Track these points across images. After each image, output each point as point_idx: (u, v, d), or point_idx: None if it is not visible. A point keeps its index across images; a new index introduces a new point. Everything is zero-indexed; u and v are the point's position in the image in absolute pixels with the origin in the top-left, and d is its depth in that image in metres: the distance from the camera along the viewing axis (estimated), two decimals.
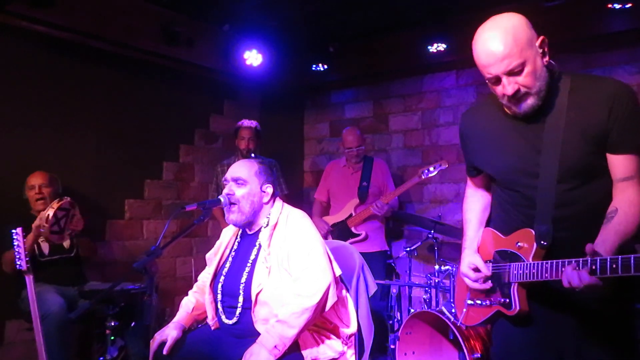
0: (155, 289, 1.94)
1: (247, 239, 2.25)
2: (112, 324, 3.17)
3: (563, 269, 1.47)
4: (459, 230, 3.87)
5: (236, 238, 2.31)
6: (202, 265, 2.45)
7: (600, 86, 1.59)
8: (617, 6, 3.38)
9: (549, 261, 1.56)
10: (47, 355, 2.70)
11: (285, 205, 2.25)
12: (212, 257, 2.32)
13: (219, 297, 2.17)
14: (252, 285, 2.05)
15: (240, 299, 2.08)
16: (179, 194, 4.50)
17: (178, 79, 4.45)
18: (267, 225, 2.17)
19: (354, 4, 3.94)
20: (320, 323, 2.11)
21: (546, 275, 1.55)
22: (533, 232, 1.64)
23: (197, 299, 2.30)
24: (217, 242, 2.36)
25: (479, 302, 1.81)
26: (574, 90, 1.60)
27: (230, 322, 2.10)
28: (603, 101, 1.55)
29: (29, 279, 2.67)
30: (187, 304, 2.29)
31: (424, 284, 3.66)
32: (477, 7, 3.90)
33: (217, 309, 2.18)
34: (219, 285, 2.18)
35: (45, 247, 3.27)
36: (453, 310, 3.11)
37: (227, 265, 2.23)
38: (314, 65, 4.69)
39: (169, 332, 2.12)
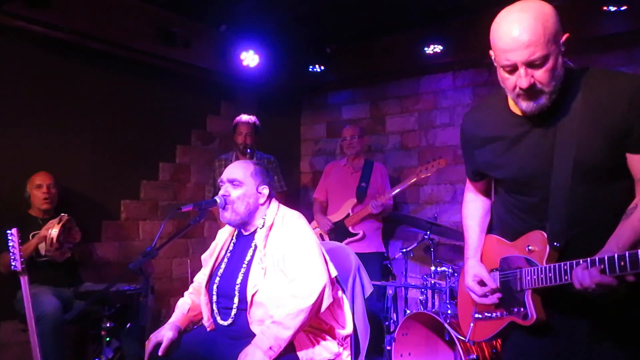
0: (150, 289, 1.94)
1: (243, 239, 2.25)
2: (108, 325, 3.16)
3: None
4: (455, 232, 3.88)
5: (232, 239, 2.31)
6: (198, 266, 2.45)
7: (617, 82, 1.47)
8: (613, 8, 3.40)
9: (567, 262, 1.44)
10: (42, 356, 2.68)
11: (281, 206, 2.25)
12: (208, 258, 2.32)
13: (214, 298, 2.16)
14: (247, 286, 2.05)
15: (236, 300, 2.07)
16: (176, 194, 4.50)
17: (175, 80, 4.44)
18: (263, 226, 2.17)
19: (351, 5, 3.95)
20: (316, 324, 2.11)
21: (566, 277, 1.43)
22: (545, 234, 1.54)
23: (193, 300, 2.29)
24: (213, 243, 2.36)
25: (488, 314, 1.70)
26: (588, 87, 1.48)
27: (226, 323, 2.10)
28: (621, 98, 1.43)
29: (24, 280, 2.65)
30: (183, 305, 2.28)
31: (420, 285, 3.66)
32: (474, 8, 3.93)
33: (212, 310, 2.18)
34: (214, 287, 2.17)
35: (42, 248, 3.26)
36: (449, 312, 3.12)
37: (223, 266, 2.22)
38: (311, 66, 4.69)
39: (165, 333, 2.12)
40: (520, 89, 1.43)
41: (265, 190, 2.20)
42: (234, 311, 2.07)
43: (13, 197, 3.37)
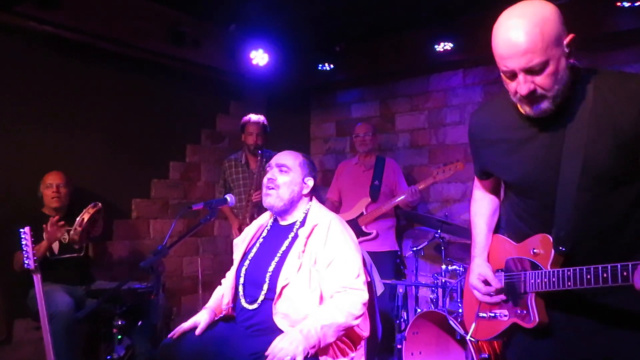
0: (161, 288, 1.95)
1: (279, 229, 2.26)
2: (119, 323, 3.18)
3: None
4: (466, 230, 3.86)
5: (267, 226, 2.32)
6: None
7: (627, 84, 1.42)
8: (627, 4, 3.35)
9: (571, 268, 1.43)
10: (54, 354, 2.71)
11: (324, 207, 2.27)
12: (240, 243, 2.33)
13: (241, 280, 2.17)
14: (279, 277, 2.05)
15: (265, 287, 2.07)
16: (186, 193, 4.52)
17: (184, 79, 4.46)
18: (304, 221, 2.17)
19: (360, 3, 3.93)
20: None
21: (569, 284, 1.43)
22: (550, 238, 1.51)
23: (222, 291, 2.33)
24: (246, 229, 2.39)
25: (492, 314, 1.70)
26: (599, 89, 1.43)
27: (251, 307, 2.09)
28: (630, 101, 1.39)
29: (37, 278, 2.68)
30: (218, 291, 2.33)
31: (430, 283, 3.65)
32: (484, 5, 3.89)
33: (237, 292, 2.18)
34: (243, 269, 2.19)
35: (55, 246, 3.29)
36: (460, 311, 3.10)
37: (254, 250, 2.24)
38: (320, 65, 4.69)
39: (201, 317, 2.15)
40: (520, 95, 1.41)
41: (310, 182, 2.23)
42: (261, 297, 2.07)
43: (26, 197, 3.40)
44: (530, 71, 1.36)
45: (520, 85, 1.39)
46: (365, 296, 2.02)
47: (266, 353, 1.82)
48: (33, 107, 3.61)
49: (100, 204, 3.19)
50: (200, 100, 4.61)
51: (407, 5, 3.98)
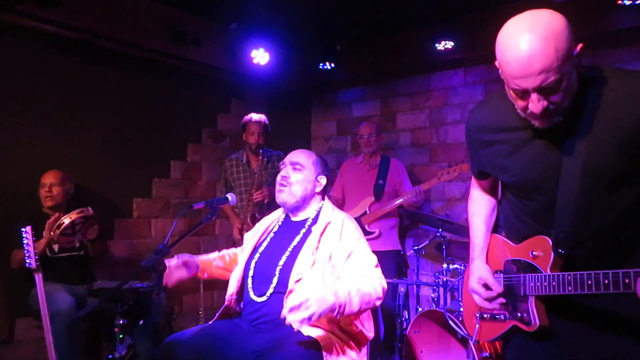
0: (163, 287, 1.95)
1: (290, 225, 2.28)
2: (121, 322, 3.18)
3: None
4: (467, 229, 3.84)
5: (278, 222, 2.35)
6: None
7: (630, 81, 1.38)
8: (628, 2, 3.34)
9: (571, 273, 1.41)
10: (56, 353, 2.71)
11: (336, 207, 2.29)
12: (250, 237, 2.36)
13: (251, 273, 2.19)
14: (292, 272, 2.06)
15: (275, 280, 2.09)
16: (187, 192, 4.51)
17: (185, 78, 4.46)
18: (317, 218, 2.20)
19: (361, 2, 3.93)
20: (347, 327, 2.08)
21: (569, 288, 1.41)
22: (549, 240, 1.49)
23: (224, 255, 2.41)
24: (257, 224, 2.42)
25: (491, 316, 1.69)
26: (602, 88, 1.38)
27: (259, 300, 2.10)
28: (631, 99, 1.35)
29: (39, 278, 2.68)
30: (215, 254, 2.42)
31: (432, 282, 3.65)
32: (485, 4, 3.89)
33: (245, 284, 2.19)
34: (253, 262, 2.21)
35: (55, 245, 3.29)
36: (461, 309, 3.10)
37: (264, 244, 2.26)
38: (321, 64, 4.68)
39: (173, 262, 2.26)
40: (533, 113, 1.35)
41: (323, 180, 2.27)
42: (270, 290, 2.08)
43: (27, 195, 3.40)
44: (544, 90, 1.30)
45: (534, 105, 1.32)
46: (384, 284, 2.05)
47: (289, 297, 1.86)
48: (33, 106, 3.61)
49: (90, 210, 3.14)
50: (201, 99, 4.61)
51: (408, 4, 3.97)
